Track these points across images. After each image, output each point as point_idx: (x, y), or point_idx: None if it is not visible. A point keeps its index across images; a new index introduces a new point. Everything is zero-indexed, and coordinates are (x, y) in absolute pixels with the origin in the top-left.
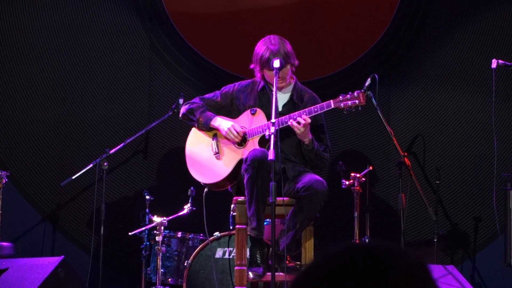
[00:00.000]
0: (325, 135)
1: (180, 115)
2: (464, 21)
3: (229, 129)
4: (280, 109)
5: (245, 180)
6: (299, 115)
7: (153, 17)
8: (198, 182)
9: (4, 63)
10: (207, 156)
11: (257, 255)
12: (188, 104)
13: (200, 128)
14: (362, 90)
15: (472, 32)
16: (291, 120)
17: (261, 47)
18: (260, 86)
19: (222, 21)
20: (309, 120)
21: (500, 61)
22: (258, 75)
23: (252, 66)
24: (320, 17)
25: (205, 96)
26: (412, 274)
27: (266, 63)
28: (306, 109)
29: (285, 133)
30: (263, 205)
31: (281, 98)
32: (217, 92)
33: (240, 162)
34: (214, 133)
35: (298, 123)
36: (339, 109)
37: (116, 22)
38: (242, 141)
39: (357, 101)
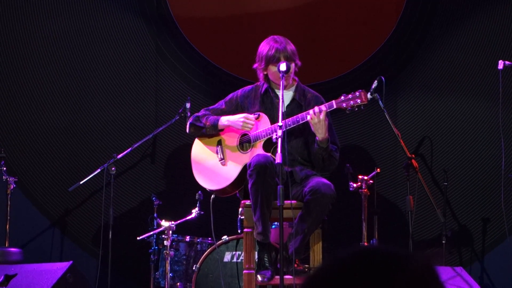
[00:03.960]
0: (333, 134)
1: (187, 129)
2: (470, 22)
3: (243, 120)
4: (284, 109)
5: (249, 186)
6: (301, 118)
7: (159, 22)
8: None
9: (12, 69)
10: (213, 163)
11: (265, 259)
12: (194, 116)
13: (209, 133)
14: (369, 92)
15: (478, 33)
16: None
17: (265, 46)
18: (263, 89)
19: (228, 25)
20: (324, 109)
21: (507, 62)
22: (261, 75)
23: (255, 65)
24: (326, 20)
25: (210, 107)
26: (420, 277)
27: (271, 59)
28: (309, 110)
29: (291, 134)
30: (268, 210)
31: (284, 99)
32: (221, 101)
33: (245, 167)
34: (218, 139)
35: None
36: (341, 109)
37: (122, 27)
38: (247, 146)
39: (359, 100)
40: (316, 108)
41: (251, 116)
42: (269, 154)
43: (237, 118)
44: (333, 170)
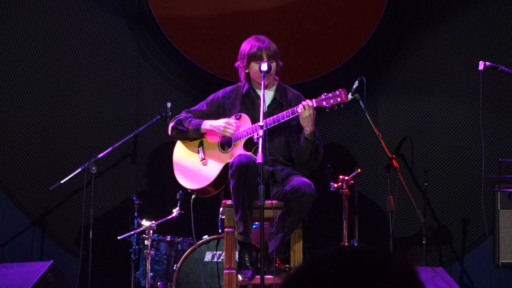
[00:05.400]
0: (316, 130)
1: (169, 132)
2: (451, 23)
3: (224, 126)
4: (265, 109)
5: (231, 186)
6: (282, 117)
7: (140, 21)
8: None
9: None
10: (194, 163)
11: (246, 258)
12: (176, 119)
13: (192, 137)
14: (350, 92)
15: (459, 34)
16: (300, 106)
17: (248, 44)
18: (244, 90)
19: (210, 25)
20: (310, 104)
21: (487, 63)
22: (242, 73)
23: (237, 64)
24: (307, 20)
25: (191, 109)
26: (400, 277)
27: (254, 56)
28: (289, 109)
29: (273, 134)
30: (250, 210)
31: (265, 99)
32: (202, 102)
33: (226, 166)
34: (200, 141)
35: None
36: (321, 108)
37: (103, 26)
38: (228, 145)
39: (339, 98)
40: (309, 102)
41: (233, 121)
42: (250, 153)
43: (218, 123)
44: (317, 166)
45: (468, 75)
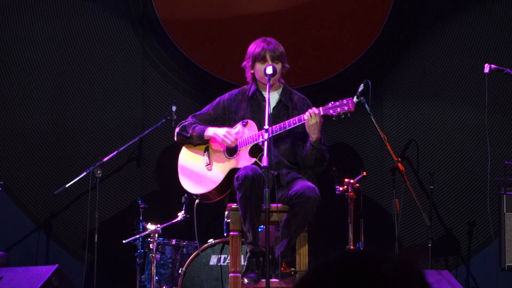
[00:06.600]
0: (322, 134)
1: (175, 137)
2: (456, 26)
3: (224, 135)
4: (270, 111)
5: (237, 198)
6: (288, 124)
7: (145, 25)
8: None
9: None
10: (199, 168)
11: (253, 261)
12: (181, 125)
13: (196, 143)
14: (356, 95)
15: (464, 36)
16: (307, 113)
17: (254, 45)
18: (250, 92)
19: (214, 27)
20: (316, 111)
21: (493, 66)
22: (248, 74)
23: (243, 64)
24: (312, 24)
25: (197, 113)
26: (407, 279)
27: (258, 57)
28: (296, 117)
29: (278, 137)
30: (258, 220)
31: (271, 101)
32: (208, 105)
33: (231, 171)
34: (205, 146)
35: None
36: (327, 116)
37: (108, 29)
38: (233, 151)
39: (346, 107)
40: (316, 109)
41: (233, 132)
42: (255, 163)
43: (220, 131)
44: (322, 171)
45: (473, 78)
